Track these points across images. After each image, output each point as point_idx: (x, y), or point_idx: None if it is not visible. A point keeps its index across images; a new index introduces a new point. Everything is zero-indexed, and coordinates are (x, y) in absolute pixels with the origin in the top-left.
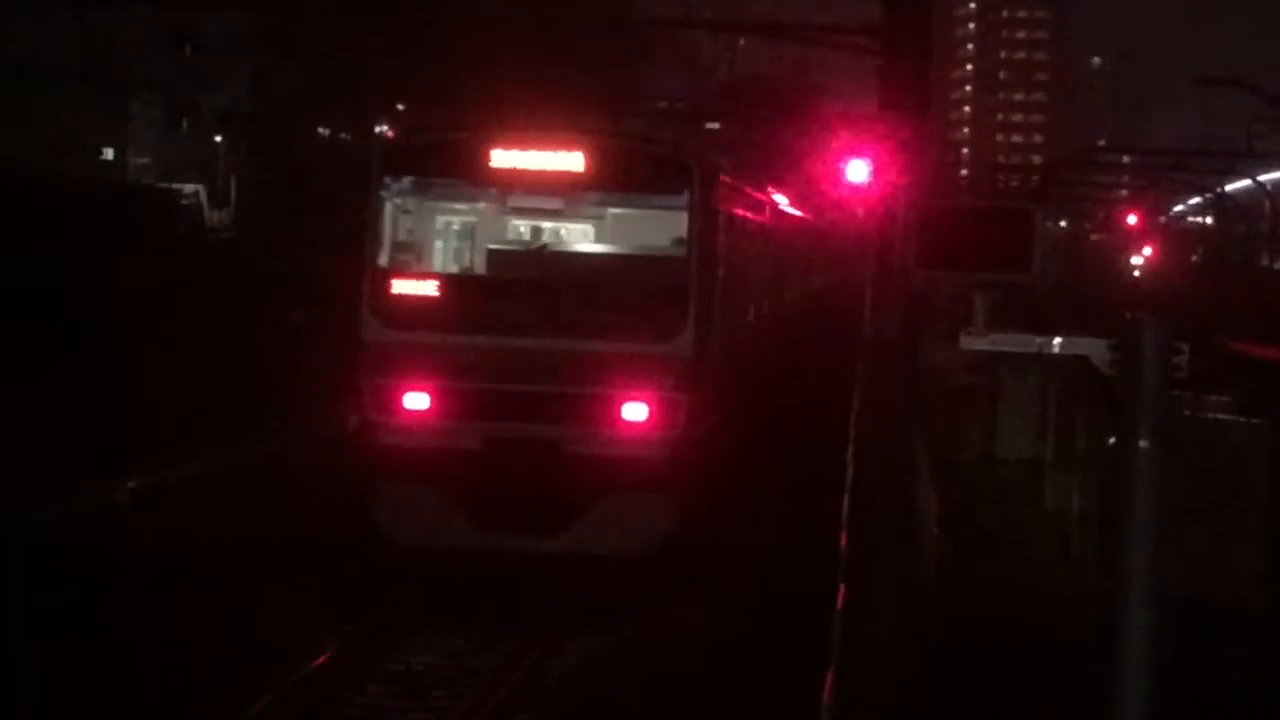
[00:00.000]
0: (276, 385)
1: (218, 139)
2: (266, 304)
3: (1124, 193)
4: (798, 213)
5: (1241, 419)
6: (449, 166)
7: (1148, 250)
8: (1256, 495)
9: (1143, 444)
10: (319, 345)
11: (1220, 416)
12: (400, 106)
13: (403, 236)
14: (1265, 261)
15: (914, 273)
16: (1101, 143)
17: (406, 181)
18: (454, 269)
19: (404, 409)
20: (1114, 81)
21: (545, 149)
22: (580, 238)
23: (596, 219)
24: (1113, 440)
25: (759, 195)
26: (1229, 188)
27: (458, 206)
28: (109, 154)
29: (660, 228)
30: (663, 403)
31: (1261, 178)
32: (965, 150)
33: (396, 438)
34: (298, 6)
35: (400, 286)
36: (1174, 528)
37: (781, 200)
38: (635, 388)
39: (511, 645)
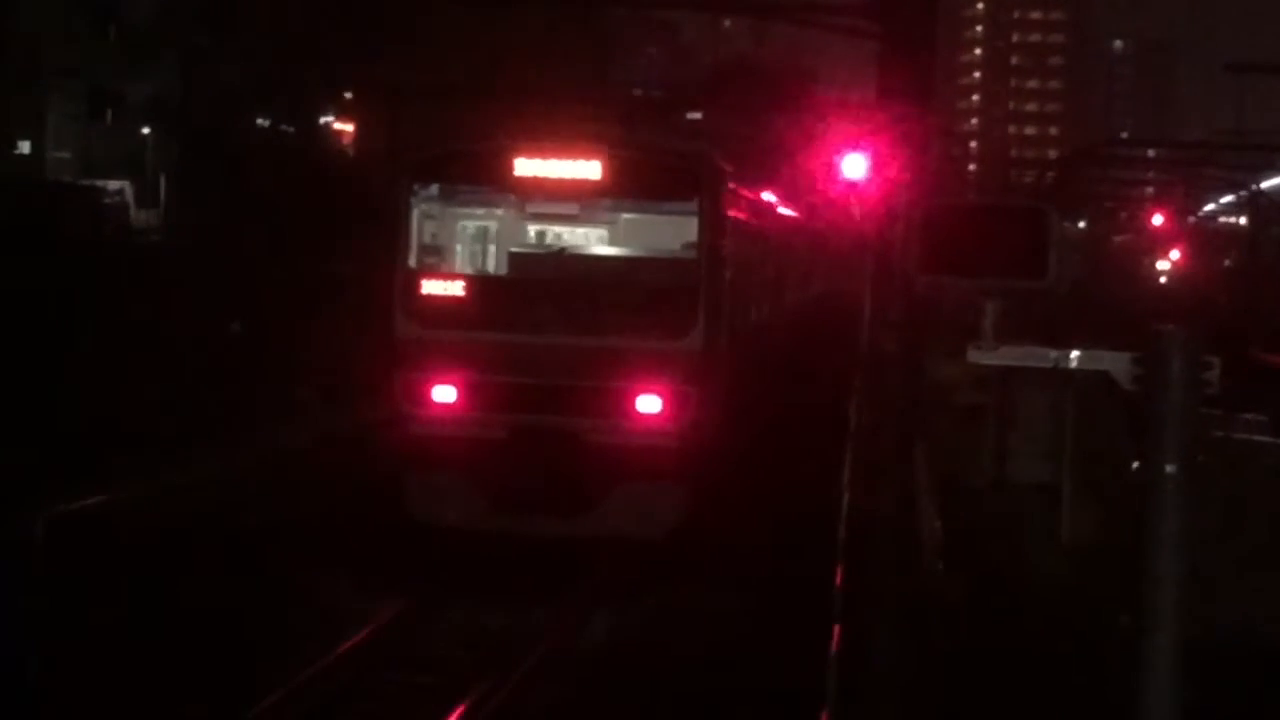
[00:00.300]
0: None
1: (145, 131)
2: (200, 314)
3: (1149, 190)
4: (793, 214)
5: (1278, 440)
6: (474, 176)
7: (1175, 254)
8: None
9: (1169, 469)
10: (261, 361)
11: (1255, 438)
12: (348, 95)
13: (431, 241)
14: None
15: (916, 279)
16: (1124, 135)
17: (434, 190)
18: (479, 271)
19: (434, 401)
20: (1137, 68)
21: (563, 159)
22: (596, 241)
23: (611, 224)
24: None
25: (761, 200)
26: (1265, 185)
27: (482, 213)
28: (24, 148)
29: (671, 232)
30: (674, 396)
31: None
32: (973, 143)
33: (428, 428)
34: None
35: (430, 288)
36: (1204, 561)
37: (781, 205)
38: (649, 382)
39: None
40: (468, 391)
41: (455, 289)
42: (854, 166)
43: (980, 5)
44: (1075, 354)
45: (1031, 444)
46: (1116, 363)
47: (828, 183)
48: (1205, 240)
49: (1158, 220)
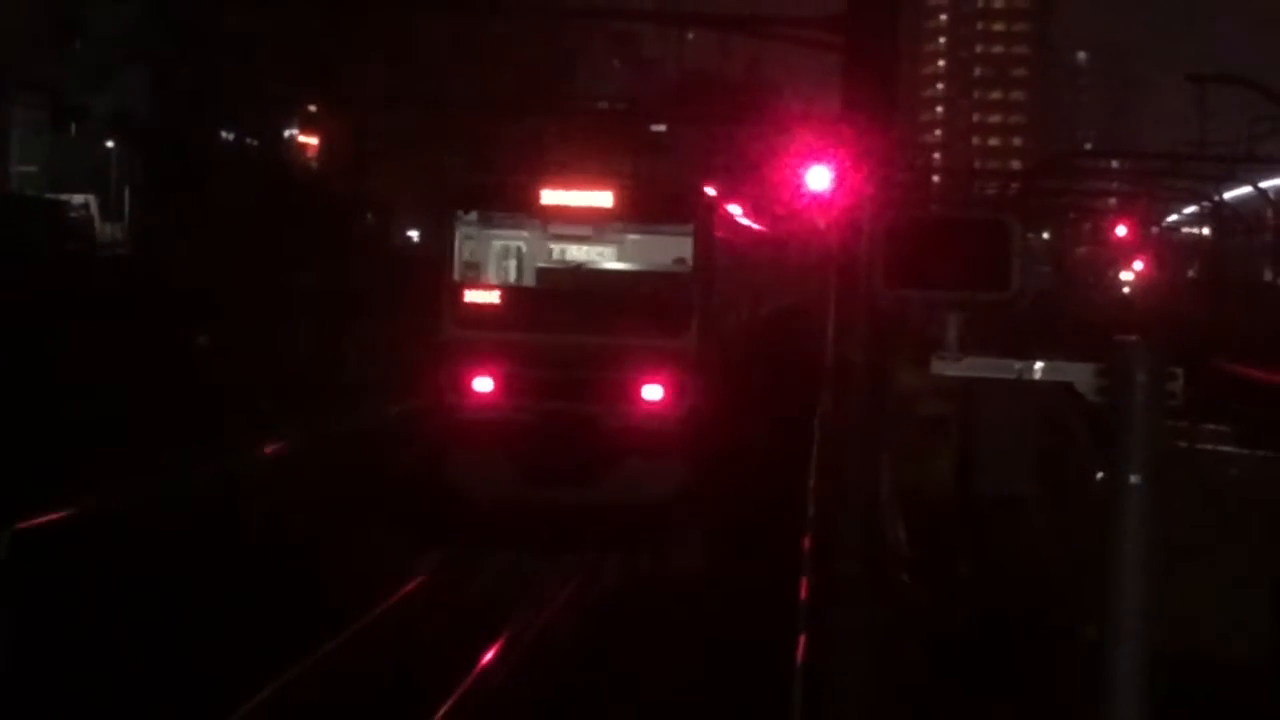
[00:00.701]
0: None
1: (110, 145)
2: (166, 326)
3: (1112, 201)
4: (765, 230)
5: (1244, 451)
6: (506, 203)
7: (1139, 264)
8: (1260, 536)
9: (1134, 479)
10: (229, 373)
11: (1220, 448)
12: (312, 108)
13: (470, 257)
14: (1268, 277)
15: (879, 292)
16: (1087, 146)
17: (473, 215)
18: (511, 283)
19: (473, 391)
20: (1100, 79)
21: (580, 189)
22: (607, 258)
23: (620, 243)
24: (1101, 475)
25: (739, 222)
26: (1228, 195)
27: (513, 234)
28: None
29: (670, 249)
30: (673, 385)
31: (1264, 184)
32: (937, 155)
33: (468, 414)
34: None
35: (470, 296)
36: (1169, 572)
37: (754, 222)
38: (652, 373)
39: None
40: (502, 382)
41: (491, 297)
42: (818, 178)
43: (943, 17)
44: (1039, 365)
45: (996, 455)
46: (1080, 374)
47: (793, 195)
48: (1169, 251)
49: (1121, 231)
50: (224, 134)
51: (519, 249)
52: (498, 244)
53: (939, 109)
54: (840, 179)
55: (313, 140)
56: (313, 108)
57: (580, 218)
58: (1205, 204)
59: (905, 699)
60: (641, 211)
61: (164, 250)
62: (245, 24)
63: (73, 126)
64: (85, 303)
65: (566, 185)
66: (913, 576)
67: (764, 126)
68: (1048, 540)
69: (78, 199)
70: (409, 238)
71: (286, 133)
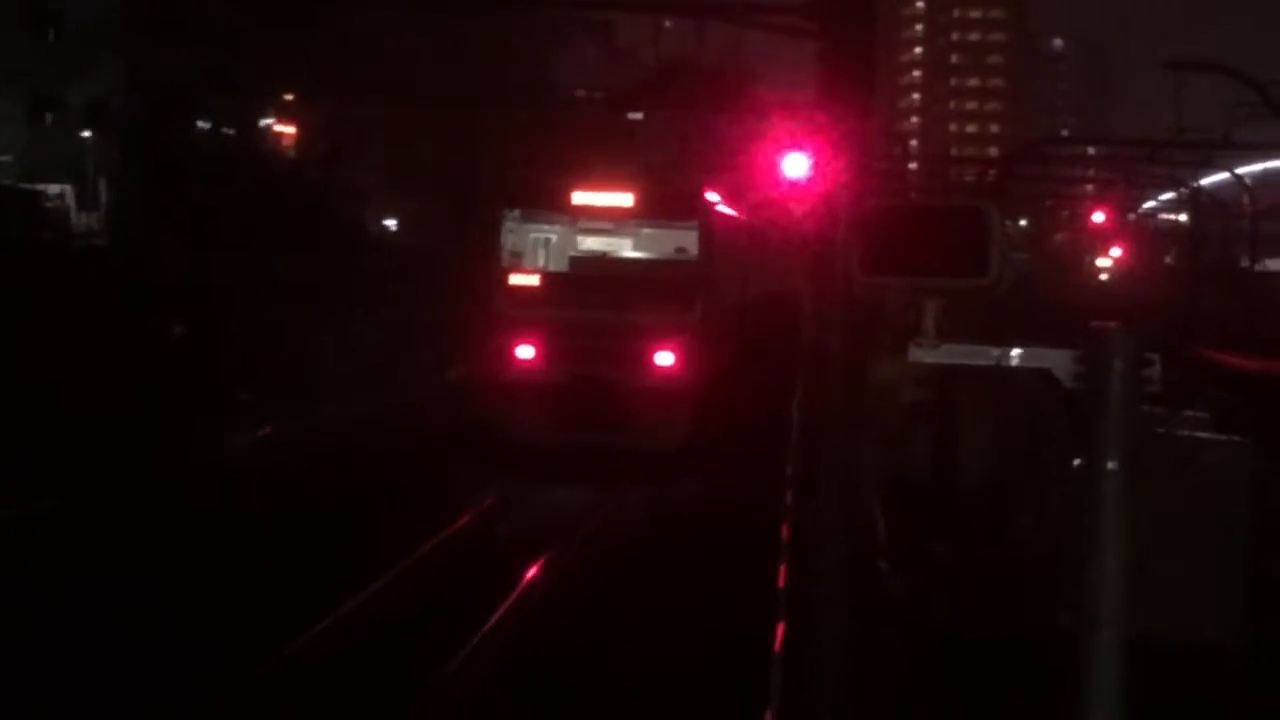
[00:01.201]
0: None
1: (86, 135)
2: (143, 317)
3: (1089, 188)
4: (753, 221)
5: (1222, 437)
6: (544, 201)
7: (1116, 251)
8: (1237, 522)
9: (1111, 465)
10: (206, 364)
11: (1198, 434)
12: (288, 97)
13: (514, 247)
14: (1245, 263)
15: (856, 280)
16: (1065, 133)
17: (517, 212)
18: (549, 267)
19: (519, 357)
20: (1078, 66)
21: (605, 191)
22: (629, 247)
23: (637, 236)
24: (1078, 462)
25: (731, 216)
26: (1205, 182)
27: (549, 228)
28: None
29: (680, 241)
30: (680, 353)
31: (1240, 170)
32: (914, 142)
33: (516, 375)
34: None
35: (515, 279)
36: (1146, 559)
37: (743, 215)
38: (665, 343)
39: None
40: (542, 350)
41: (532, 280)
42: (795, 165)
43: (920, 4)
44: (1016, 352)
45: (977, 442)
46: (1058, 360)
47: (769, 182)
48: (1146, 237)
49: (1098, 218)
50: (200, 124)
51: (554, 240)
52: (537, 236)
53: (916, 96)
54: (817, 166)
55: (289, 129)
56: (289, 97)
57: (605, 215)
58: (1182, 190)
59: (883, 685)
60: (655, 210)
61: (140, 240)
62: (222, 14)
63: (48, 117)
64: (61, 292)
65: (594, 187)
66: (891, 563)
67: (741, 114)
68: (1027, 527)
69: (53, 189)
70: (385, 226)
71: (263, 122)
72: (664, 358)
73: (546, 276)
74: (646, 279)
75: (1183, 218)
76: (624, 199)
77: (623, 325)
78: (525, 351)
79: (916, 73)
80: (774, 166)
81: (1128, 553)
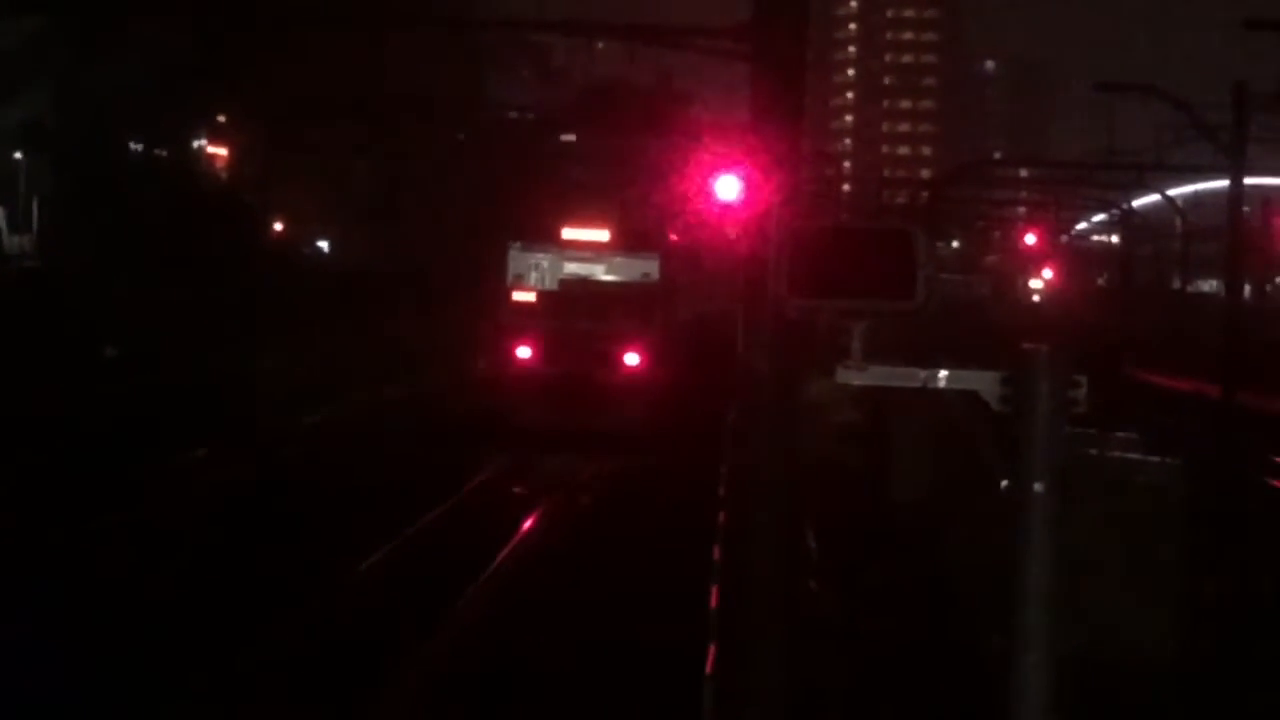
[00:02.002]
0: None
1: (18, 156)
2: (75, 338)
3: (1021, 210)
4: (696, 245)
5: (1153, 458)
6: (540, 235)
7: (1048, 273)
8: (1169, 542)
9: (1038, 487)
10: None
11: (1130, 456)
12: (221, 118)
13: (517, 270)
14: (1176, 284)
15: (783, 302)
16: (997, 155)
17: (519, 243)
18: (544, 287)
19: (519, 356)
20: (1010, 89)
21: (588, 227)
22: (606, 271)
23: (612, 263)
24: (1005, 483)
25: (683, 244)
26: (1136, 203)
27: (544, 255)
28: None
29: (645, 268)
30: (645, 355)
31: (1171, 192)
32: (847, 163)
33: (517, 370)
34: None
35: (517, 295)
36: (1076, 579)
37: (690, 242)
38: (632, 347)
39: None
40: (538, 350)
41: (530, 296)
42: (727, 187)
43: (852, 26)
44: (943, 373)
45: (907, 463)
46: (984, 382)
47: (702, 204)
48: (1078, 258)
49: (1030, 239)
50: (132, 145)
51: (548, 264)
52: (535, 260)
53: (849, 118)
54: (748, 188)
55: (222, 151)
56: (222, 118)
57: (587, 246)
58: (1114, 212)
59: (816, 706)
60: (626, 243)
61: (72, 261)
62: (152, 35)
63: None
64: None
65: (578, 225)
66: (822, 584)
67: (673, 135)
68: (957, 547)
69: None
70: (319, 248)
71: (195, 143)
72: (631, 358)
73: (541, 294)
74: (618, 297)
75: (1115, 239)
76: (602, 234)
77: (600, 333)
78: (524, 352)
79: (849, 94)
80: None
81: (1056, 573)
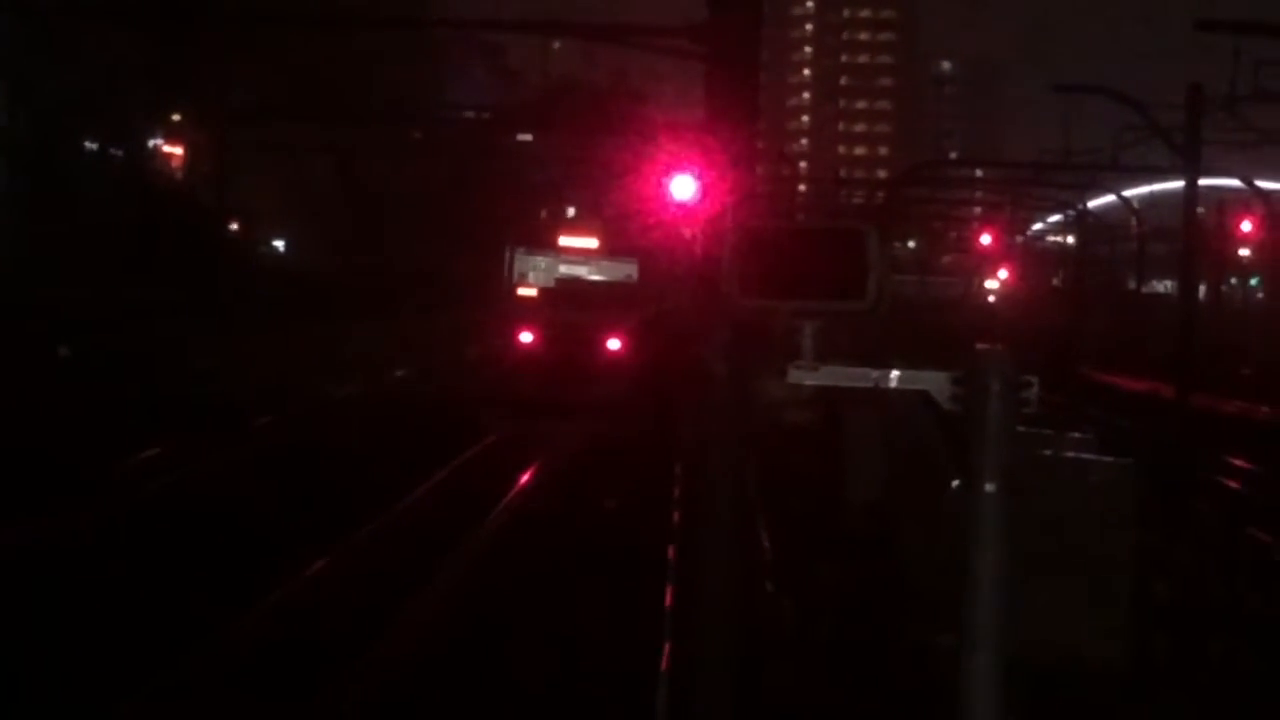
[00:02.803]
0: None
1: None
2: (28, 337)
3: (977, 210)
4: (662, 249)
5: (1107, 458)
6: (540, 241)
7: (1004, 273)
8: (1122, 543)
9: (989, 487)
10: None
11: (1083, 456)
12: (176, 117)
13: (520, 270)
14: (1132, 285)
15: (734, 302)
16: (953, 155)
17: (522, 248)
18: (543, 285)
19: (523, 341)
20: (966, 89)
21: (580, 236)
22: (595, 272)
23: (599, 265)
24: (956, 483)
25: (661, 248)
26: (1092, 204)
27: (543, 258)
28: None
29: (626, 270)
30: (624, 341)
31: (1127, 193)
32: (804, 164)
33: (521, 353)
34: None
35: (520, 291)
36: (1028, 579)
37: (654, 246)
38: (613, 334)
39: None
40: (539, 337)
41: (532, 292)
42: (682, 187)
43: (809, 27)
44: (895, 374)
45: (863, 464)
46: (935, 382)
47: (658, 204)
48: (1034, 259)
49: (986, 240)
50: (88, 145)
51: (546, 266)
52: (535, 262)
53: (805, 118)
54: (704, 188)
55: (177, 151)
56: (177, 118)
57: (579, 252)
58: (1070, 212)
59: (769, 707)
60: (610, 250)
61: (26, 261)
62: (108, 36)
63: None
64: None
65: (572, 234)
66: (777, 586)
67: (629, 135)
68: (910, 547)
69: None
70: (274, 247)
71: (151, 143)
72: (613, 344)
73: (540, 290)
74: (603, 294)
75: (1070, 239)
76: (591, 242)
77: (588, 322)
78: (526, 338)
79: (805, 94)
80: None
81: (1007, 574)
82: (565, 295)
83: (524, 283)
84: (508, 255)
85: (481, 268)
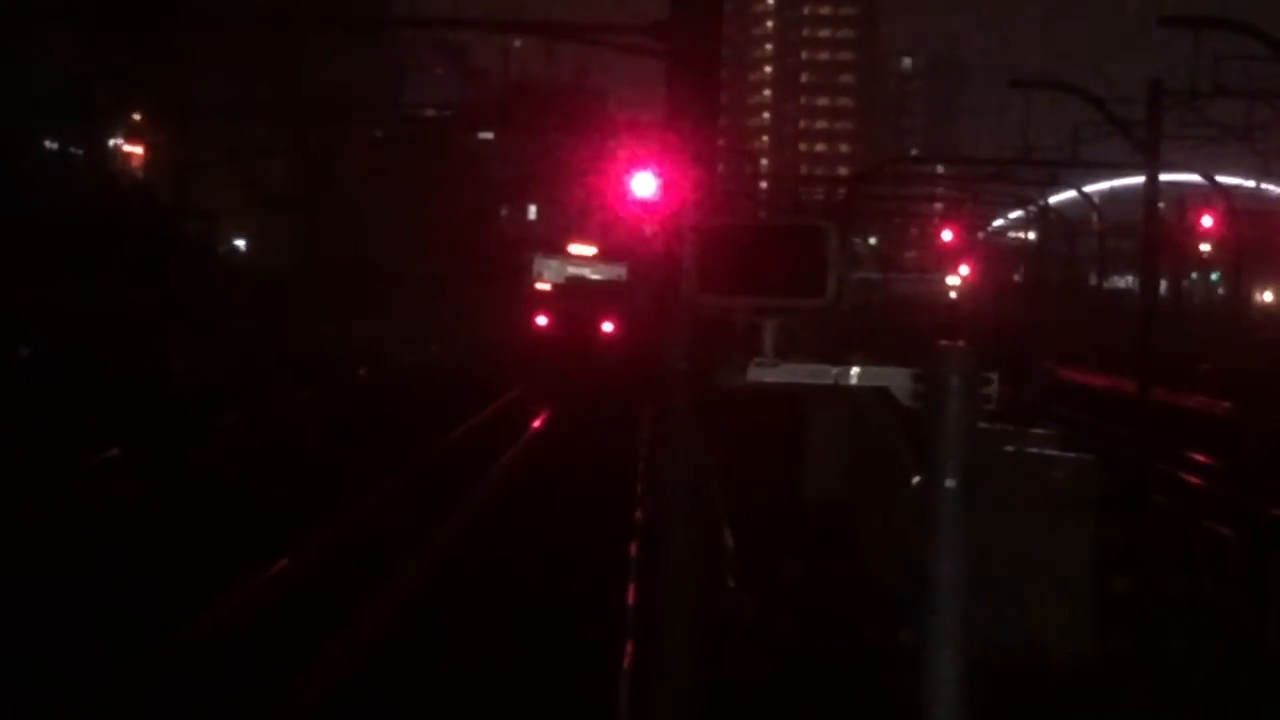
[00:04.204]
0: None
1: None
2: None
3: (939, 206)
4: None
5: (1069, 454)
6: (554, 248)
7: (965, 269)
8: (1083, 538)
9: (949, 484)
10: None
11: (1046, 452)
12: (136, 117)
13: (539, 271)
14: (1093, 280)
15: (694, 299)
16: (914, 152)
17: (541, 254)
18: (556, 282)
19: (540, 323)
20: (927, 85)
21: (584, 245)
22: (594, 273)
23: (598, 267)
24: (916, 480)
25: (645, 253)
26: (1053, 200)
27: (557, 261)
28: None
29: (618, 271)
30: (617, 324)
31: (1088, 189)
32: (765, 160)
33: (540, 331)
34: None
35: (538, 285)
36: (988, 575)
37: (647, 252)
38: (609, 320)
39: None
40: (551, 320)
41: (546, 287)
42: (643, 185)
43: (769, 23)
44: (855, 371)
45: (825, 460)
46: (896, 379)
47: (619, 201)
48: (995, 255)
49: (947, 236)
50: (48, 144)
51: (559, 267)
52: (550, 264)
53: (766, 115)
54: (665, 185)
55: (138, 149)
56: (138, 116)
57: (586, 256)
58: (1030, 208)
59: (731, 704)
60: (607, 256)
61: None
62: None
63: None
64: None
65: (579, 242)
66: (739, 581)
67: (590, 133)
68: (873, 545)
69: None
70: (235, 246)
71: (111, 142)
72: (607, 327)
73: (554, 285)
74: (600, 289)
75: (1032, 235)
76: (591, 249)
77: (588, 310)
78: (542, 320)
79: (766, 92)
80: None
81: (967, 570)
82: (572, 289)
83: (541, 279)
84: (529, 258)
85: (451, 265)
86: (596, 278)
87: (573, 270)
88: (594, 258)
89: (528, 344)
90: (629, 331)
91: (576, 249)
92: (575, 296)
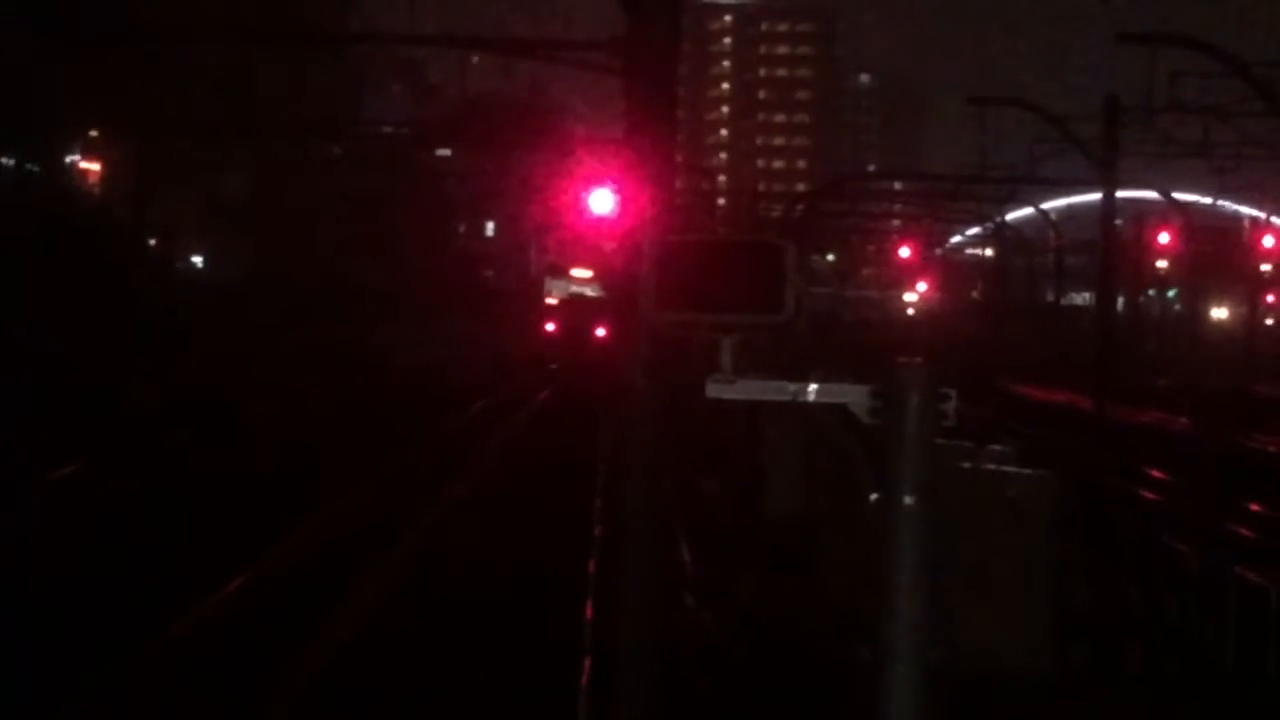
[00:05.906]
0: None
1: None
2: None
3: (896, 223)
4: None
5: (1026, 470)
6: (560, 271)
7: (922, 285)
8: (1041, 553)
9: (907, 500)
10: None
11: (1003, 468)
12: (94, 133)
13: (547, 288)
14: (1050, 297)
15: (651, 317)
16: (872, 168)
17: (549, 273)
18: (560, 296)
19: (547, 330)
20: (885, 102)
21: (583, 269)
22: (591, 291)
23: (595, 286)
24: (874, 496)
25: (616, 267)
26: (1010, 216)
27: (561, 279)
28: None
29: (605, 288)
30: (607, 331)
31: (1045, 205)
32: (722, 177)
33: (546, 337)
34: None
35: (547, 300)
36: (946, 591)
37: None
38: (602, 326)
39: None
40: (557, 327)
41: (554, 301)
42: (601, 201)
43: (727, 40)
44: (813, 387)
45: (782, 476)
46: (854, 395)
47: (576, 218)
48: (953, 272)
49: (904, 253)
50: (3, 160)
51: (562, 286)
52: (555, 283)
53: (724, 131)
54: (622, 202)
55: (95, 166)
56: (94, 133)
57: (583, 278)
58: (988, 225)
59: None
60: (601, 278)
61: None
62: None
63: None
64: None
65: (579, 266)
66: (697, 599)
67: (548, 150)
68: (832, 562)
69: None
70: (193, 263)
71: (68, 159)
72: (600, 333)
73: (559, 299)
74: (596, 304)
75: (989, 252)
76: (589, 273)
77: (586, 320)
78: (550, 327)
79: (724, 108)
80: (580, 202)
81: (925, 585)
82: (574, 303)
83: (550, 295)
84: (540, 277)
85: (407, 281)
86: (591, 294)
87: (574, 289)
88: (590, 279)
89: (537, 346)
90: (620, 339)
91: (577, 272)
92: (576, 309)
